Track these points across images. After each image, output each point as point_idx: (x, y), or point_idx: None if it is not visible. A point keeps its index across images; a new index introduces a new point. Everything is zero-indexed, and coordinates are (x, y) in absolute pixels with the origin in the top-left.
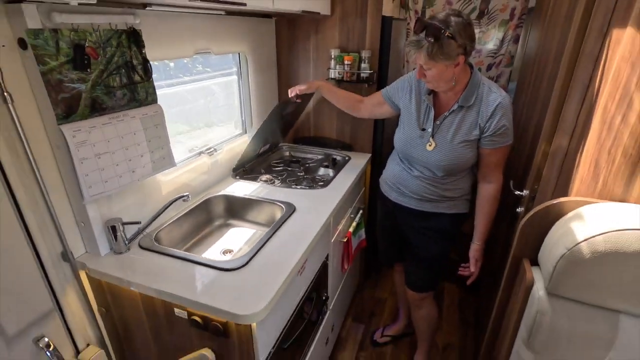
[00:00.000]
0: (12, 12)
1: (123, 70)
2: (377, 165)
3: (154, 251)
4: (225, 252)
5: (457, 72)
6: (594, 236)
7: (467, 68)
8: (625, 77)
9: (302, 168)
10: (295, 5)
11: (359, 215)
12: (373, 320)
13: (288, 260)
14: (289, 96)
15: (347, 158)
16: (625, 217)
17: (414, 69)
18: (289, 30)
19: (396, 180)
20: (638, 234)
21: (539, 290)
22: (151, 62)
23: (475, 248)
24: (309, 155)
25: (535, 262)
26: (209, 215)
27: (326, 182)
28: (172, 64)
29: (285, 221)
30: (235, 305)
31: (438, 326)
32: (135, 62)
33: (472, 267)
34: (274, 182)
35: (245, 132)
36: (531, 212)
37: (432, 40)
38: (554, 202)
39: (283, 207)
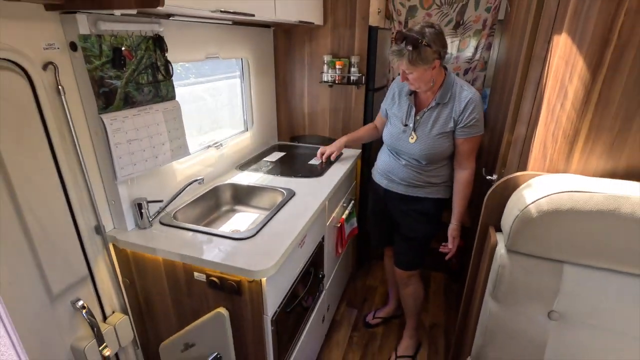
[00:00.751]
0: (65, 21)
1: (150, 70)
2: (366, 160)
3: (174, 226)
4: (233, 231)
5: (434, 74)
6: (539, 199)
7: (442, 70)
8: (561, 73)
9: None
10: (293, 16)
11: (350, 205)
12: (365, 305)
13: (291, 232)
14: (319, 161)
15: (339, 153)
16: (563, 183)
17: (398, 74)
18: (286, 38)
19: (386, 169)
20: (571, 194)
21: (500, 249)
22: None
23: (452, 227)
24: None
25: (499, 229)
26: (217, 201)
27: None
28: (187, 65)
29: (286, 203)
30: (248, 263)
31: (423, 304)
32: (159, 63)
33: (449, 244)
34: (274, 173)
35: (247, 130)
36: (493, 186)
37: (412, 48)
38: (512, 176)
39: (284, 192)
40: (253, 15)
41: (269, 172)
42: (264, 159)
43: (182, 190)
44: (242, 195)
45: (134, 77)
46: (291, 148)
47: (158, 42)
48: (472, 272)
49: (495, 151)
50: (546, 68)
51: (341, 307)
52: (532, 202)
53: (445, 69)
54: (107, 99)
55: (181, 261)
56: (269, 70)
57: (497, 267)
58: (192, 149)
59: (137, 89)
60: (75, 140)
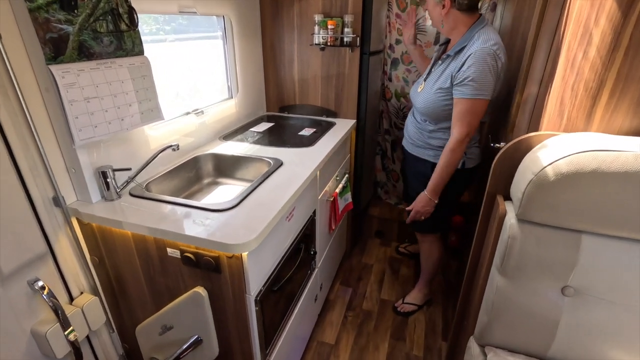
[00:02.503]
0: None
1: (109, 17)
2: (361, 131)
3: (146, 198)
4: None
5: (444, 16)
6: (557, 160)
7: (467, 19)
8: (586, 15)
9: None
10: None
11: (345, 178)
12: (360, 283)
13: (276, 203)
14: (310, 132)
15: (332, 123)
16: (585, 142)
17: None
18: None
19: (406, 127)
20: (595, 154)
21: (510, 219)
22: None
23: (420, 197)
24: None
25: (508, 197)
26: (198, 172)
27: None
28: (161, 19)
29: (273, 172)
30: (226, 236)
31: (439, 264)
32: (121, 10)
33: (410, 206)
34: (261, 143)
35: (232, 97)
36: (502, 149)
37: None
38: (523, 137)
39: (270, 162)
40: None
41: (256, 142)
42: (251, 129)
43: (154, 157)
44: (226, 166)
45: (90, 23)
46: (281, 119)
47: None
48: (476, 245)
49: (503, 117)
50: (565, 14)
51: (335, 286)
52: (549, 164)
53: (474, 19)
54: (57, 48)
55: (152, 235)
56: (255, 34)
57: (506, 239)
58: (168, 114)
59: (94, 38)
60: (21, 98)
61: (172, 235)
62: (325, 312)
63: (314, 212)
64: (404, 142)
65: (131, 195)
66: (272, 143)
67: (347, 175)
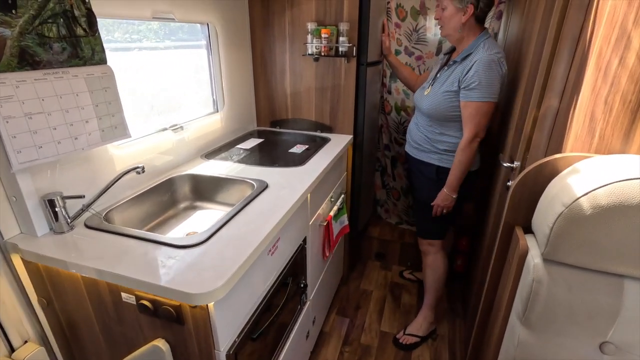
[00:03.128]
0: None
1: (61, 20)
2: (359, 147)
3: (102, 230)
4: (189, 234)
5: (464, 22)
6: (595, 189)
7: (476, 29)
8: (622, 15)
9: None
10: None
11: (340, 199)
12: (359, 313)
13: (255, 236)
14: (302, 149)
15: (326, 139)
16: (627, 167)
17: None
18: (262, 5)
19: (409, 132)
20: None
21: (534, 258)
22: (104, 19)
23: (440, 193)
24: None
25: (528, 230)
26: (173, 196)
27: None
28: (137, 25)
29: (255, 197)
30: (188, 283)
31: (444, 282)
32: (77, 12)
33: (433, 211)
34: (246, 162)
35: (217, 111)
36: (522, 174)
37: None
38: (547, 159)
39: (254, 184)
40: None
41: (241, 160)
42: (238, 146)
43: (113, 183)
44: (205, 189)
45: (35, 26)
46: (271, 134)
47: None
48: (490, 285)
49: (515, 134)
50: (592, 15)
51: (331, 317)
52: (585, 194)
53: (481, 30)
54: None
55: (101, 279)
56: (244, 43)
57: (530, 282)
58: (140, 131)
59: (41, 44)
60: None
61: (125, 280)
62: (319, 347)
63: (305, 240)
64: (407, 148)
65: (86, 226)
66: (258, 162)
67: (343, 196)
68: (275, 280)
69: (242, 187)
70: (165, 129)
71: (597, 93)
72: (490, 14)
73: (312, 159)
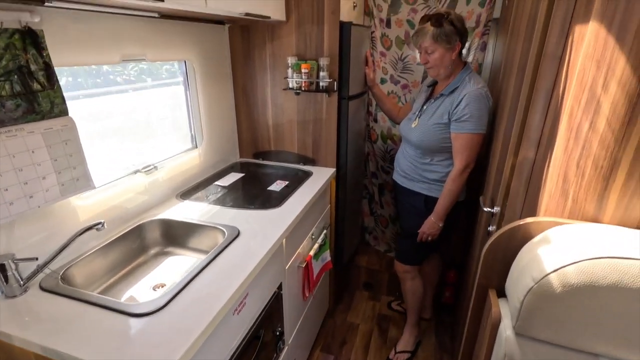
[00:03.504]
0: None
1: (15, 77)
2: (342, 180)
3: (56, 293)
4: (156, 287)
5: (454, 59)
6: (564, 266)
7: (460, 63)
8: (591, 78)
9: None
10: (237, 6)
11: (322, 235)
12: (344, 349)
13: (217, 301)
14: (281, 186)
15: (309, 173)
16: (599, 242)
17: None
18: (243, 37)
19: (396, 160)
20: (614, 262)
21: (506, 329)
22: (66, 68)
23: (427, 220)
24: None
25: (502, 292)
26: (143, 242)
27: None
28: (106, 69)
29: (225, 248)
30: None
31: (423, 300)
32: (33, 67)
33: (419, 236)
34: (223, 203)
35: (196, 147)
36: (494, 236)
37: (436, 24)
38: (520, 223)
39: (225, 231)
40: (162, 1)
41: (217, 201)
42: (216, 182)
43: (69, 243)
44: (176, 235)
45: None
46: (253, 167)
47: (30, 38)
48: (465, 348)
49: (496, 176)
50: (564, 71)
51: (315, 354)
52: (554, 271)
53: (465, 64)
54: None
55: (45, 354)
56: (225, 76)
57: (503, 356)
58: (108, 176)
59: None
60: None
61: (68, 359)
62: None
63: (280, 286)
64: (395, 176)
65: (41, 288)
66: (234, 203)
67: (325, 232)
68: (243, 339)
69: (213, 233)
70: (137, 171)
71: (569, 154)
72: (474, 45)
73: (291, 198)
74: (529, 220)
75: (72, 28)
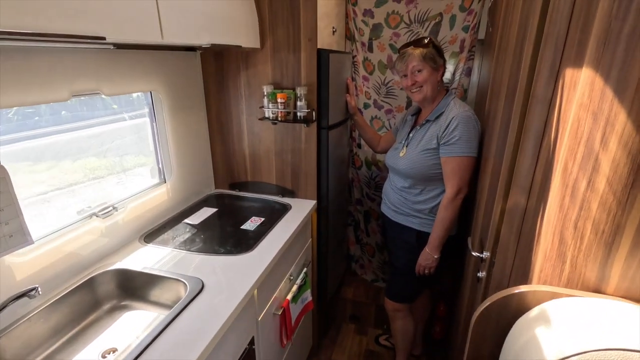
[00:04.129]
0: None
1: None
2: (324, 212)
3: None
4: (106, 353)
5: (439, 81)
6: (568, 357)
7: (443, 90)
8: (587, 131)
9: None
10: (201, 37)
11: (302, 274)
12: None
13: None
14: (255, 225)
15: (287, 206)
16: (606, 324)
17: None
18: (217, 64)
19: (384, 192)
20: (626, 357)
21: None
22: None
23: (422, 253)
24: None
25: None
26: (96, 297)
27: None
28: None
29: (185, 308)
30: None
31: (413, 339)
32: None
33: (416, 270)
34: (191, 246)
35: (164, 182)
36: (485, 305)
37: (423, 46)
38: (513, 291)
39: (188, 285)
40: (103, 39)
41: (183, 244)
42: (186, 220)
43: None
44: (135, 287)
45: None
46: (229, 199)
47: None
48: None
49: (485, 217)
50: (555, 117)
51: None
52: None
53: (447, 90)
54: None
55: None
56: (198, 105)
57: None
58: (55, 224)
59: None
60: None
61: None
62: None
63: (252, 341)
64: (384, 209)
65: None
66: (202, 246)
67: (305, 270)
68: None
69: (175, 286)
70: (93, 215)
71: (565, 213)
72: (458, 70)
73: (266, 238)
74: (523, 289)
75: (6, 65)
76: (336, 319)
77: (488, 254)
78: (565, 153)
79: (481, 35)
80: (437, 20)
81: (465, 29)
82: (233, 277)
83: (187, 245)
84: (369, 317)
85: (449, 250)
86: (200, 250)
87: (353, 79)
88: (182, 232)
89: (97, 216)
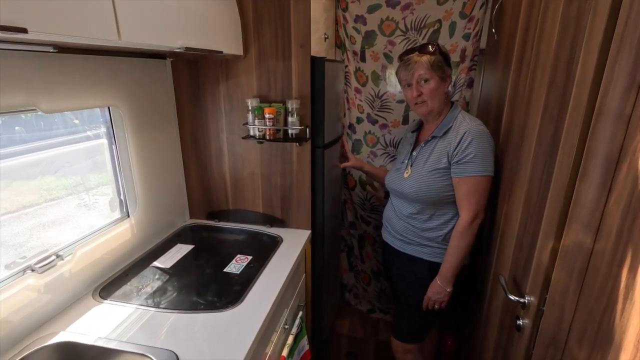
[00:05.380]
0: None
1: None
2: (319, 243)
3: None
4: None
5: (446, 92)
6: None
7: (448, 102)
8: None
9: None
10: (174, 39)
11: (297, 322)
12: None
13: None
14: (241, 265)
15: (277, 239)
16: None
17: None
18: (191, 74)
19: (386, 218)
20: None
21: None
22: None
23: (432, 284)
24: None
25: None
26: None
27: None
28: None
29: None
30: None
31: None
32: None
33: (424, 304)
34: (155, 304)
35: (128, 216)
36: None
37: (431, 53)
38: None
39: None
40: (24, 31)
41: (150, 299)
42: (155, 262)
43: None
44: None
45: None
46: (207, 232)
47: None
48: None
49: (516, 248)
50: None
51: None
52: None
53: (452, 103)
54: None
55: None
56: (167, 121)
57: None
58: None
59: None
60: None
61: None
62: None
63: None
64: (387, 237)
65: None
66: (175, 299)
67: (301, 314)
68: None
69: None
70: (28, 269)
71: None
72: (460, 82)
73: (257, 283)
74: None
75: None
76: (330, 358)
77: (532, 299)
78: None
79: (482, 44)
80: (435, 27)
81: (466, 37)
82: (218, 345)
83: (157, 298)
84: (367, 354)
85: (461, 280)
86: (173, 306)
87: (345, 91)
88: (150, 279)
89: (33, 270)
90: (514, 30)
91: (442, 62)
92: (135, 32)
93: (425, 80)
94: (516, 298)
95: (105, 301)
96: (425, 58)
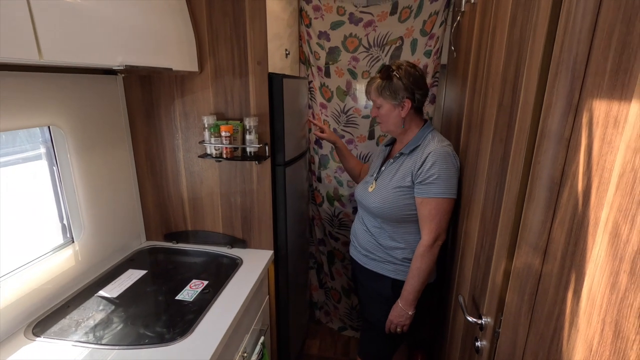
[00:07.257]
0: None
1: None
2: (283, 263)
3: None
4: None
5: (404, 116)
6: None
7: (418, 120)
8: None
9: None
10: (112, 56)
11: (258, 346)
12: None
13: None
14: (194, 292)
15: (237, 261)
16: None
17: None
18: (144, 90)
19: (353, 233)
20: None
21: None
22: None
23: (394, 307)
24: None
25: None
26: None
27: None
28: None
29: None
30: None
31: None
32: None
33: (386, 327)
34: (95, 341)
35: (72, 241)
36: None
37: (384, 77)
38: None
39: None
40: None
41: (90, 333)
42: (101, 291)
43: None
44: None
45: None
46: (163, 256)
47: None
48: None
49: (474, 268)
50: (580, 160)
51: None
52: None
53: (426, 121)
54: None
55: None
56: (118, 139)
57: None
58: None
59: None
60: None
61: None
62: None
63: None
64: (353, 252)
65: None
66: (119, 333)
67: (262, 340)
68: None
69: None
70: None
71: (621, 296)
72: None
73: (210, 310)
74: None
75: None
76: None
77: (489, 320)
78: (613, 214)
79: (444, 60)
80: (397, 44)
81: (428, 54)
82: None
83: (99, 332)
84: None
85: (429, 299)
86: (116, 341)
87: (310, 107)
88: (92, 311)
89: None
90: (469, 49)
91: (398, 88)
92: (60, 49)
93: (378, 107)
94: (474, 319)
95: (38, 338)
96: (377, 82)
